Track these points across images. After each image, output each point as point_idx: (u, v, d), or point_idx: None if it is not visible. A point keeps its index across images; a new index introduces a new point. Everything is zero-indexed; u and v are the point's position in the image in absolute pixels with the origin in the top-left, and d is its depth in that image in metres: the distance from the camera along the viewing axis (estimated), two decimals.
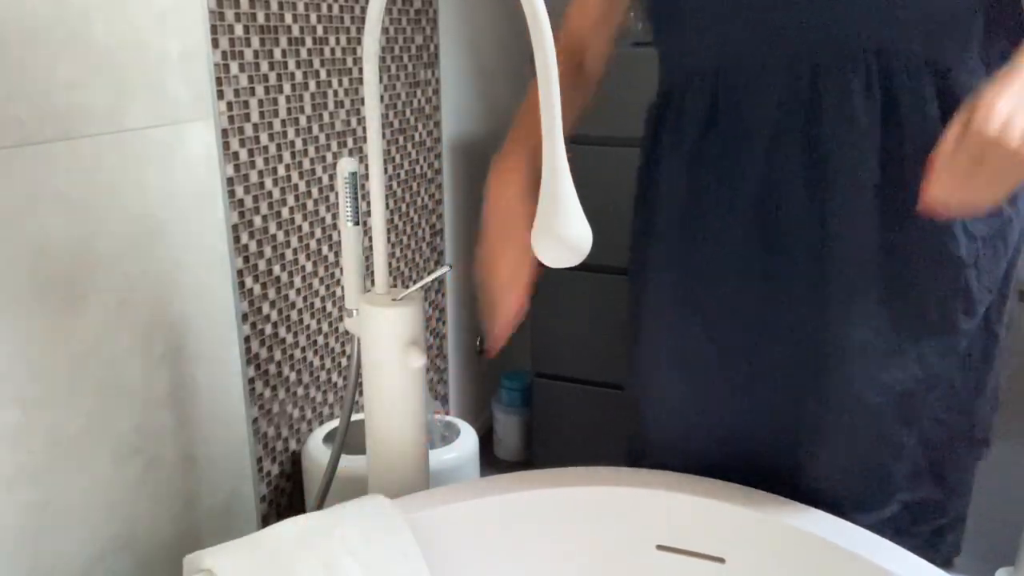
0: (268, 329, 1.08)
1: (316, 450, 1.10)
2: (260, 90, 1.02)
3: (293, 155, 1.10)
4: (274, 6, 1.03)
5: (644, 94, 0.79)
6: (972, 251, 0.66)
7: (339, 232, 1.21)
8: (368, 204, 0.72)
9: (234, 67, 0.97)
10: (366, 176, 1.19)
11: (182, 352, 0.92)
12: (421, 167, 1.45)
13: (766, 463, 0.72)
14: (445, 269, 0.70)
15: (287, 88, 1.07)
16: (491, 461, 1.67)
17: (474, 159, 1.66)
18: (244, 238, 1.01)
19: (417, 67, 1.40)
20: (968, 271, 0.66)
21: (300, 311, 1.15)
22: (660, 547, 0.68)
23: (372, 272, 0.77)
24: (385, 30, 1.30)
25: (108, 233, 0.81)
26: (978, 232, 0.66)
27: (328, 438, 1.14)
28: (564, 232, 0.45)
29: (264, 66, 1.02)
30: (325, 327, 1.21)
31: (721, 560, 0.66)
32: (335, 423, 1.18)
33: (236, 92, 0.98)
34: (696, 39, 0.72)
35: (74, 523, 0.80)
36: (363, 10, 1.21)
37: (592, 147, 1.38)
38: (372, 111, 0.70)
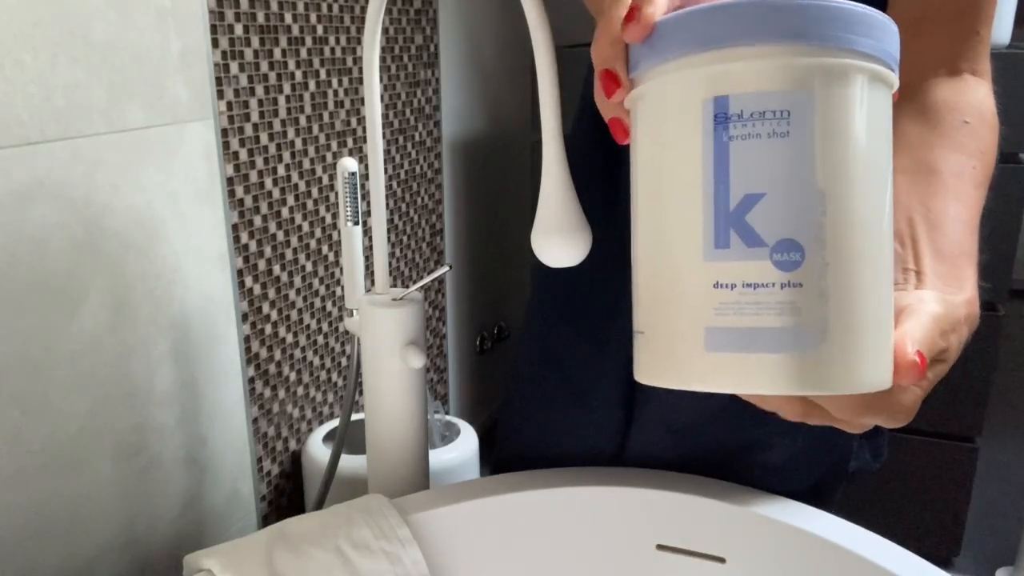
0: (268, 329, 1.08)
1: (316, 450, 1.10)
2: (260, 90, 1.02)
3: (293, 155, 1.09)
4: (274, 6, 1.03)
5: None
6: None
7: (339, 232, 1.21)
8: (368, 204, 0.72)
9: (234, 67, 0.97)
10: (366, 176, 1.19)
11: (182, 352, 0.92)
12: (421, 167, 1.45)
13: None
14: (445, 269, 0.70)
15: (287, 88, 1.07)
16: (491, 461, 1.67)
17: (474, 159, 1.66)
18: (244, 238, 1.01)
19: (417, 67, 1.40)
20: None
21: (300, 311, 1.15)
22: (660, 547, 0.68)
23: (372, 272, 0.77)
24: (385, 30, 1.30)
25: (108, 233, 0.81)
26: None
27: (328, 438, 1.14)
28: (564, 232, 0.45)
29: (264, 66, 1.02)
30: (325, 327, 1.21)
31: (721, 560, 0.66)
32: (335, 423, 1.18)
33: (236, 92, 0.98)
34: None
35: (74, 523, 0.80)
36: (363, 10, 1.21)
37: None
38: (372, 111, 0.70)
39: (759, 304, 0.31)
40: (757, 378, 0.31)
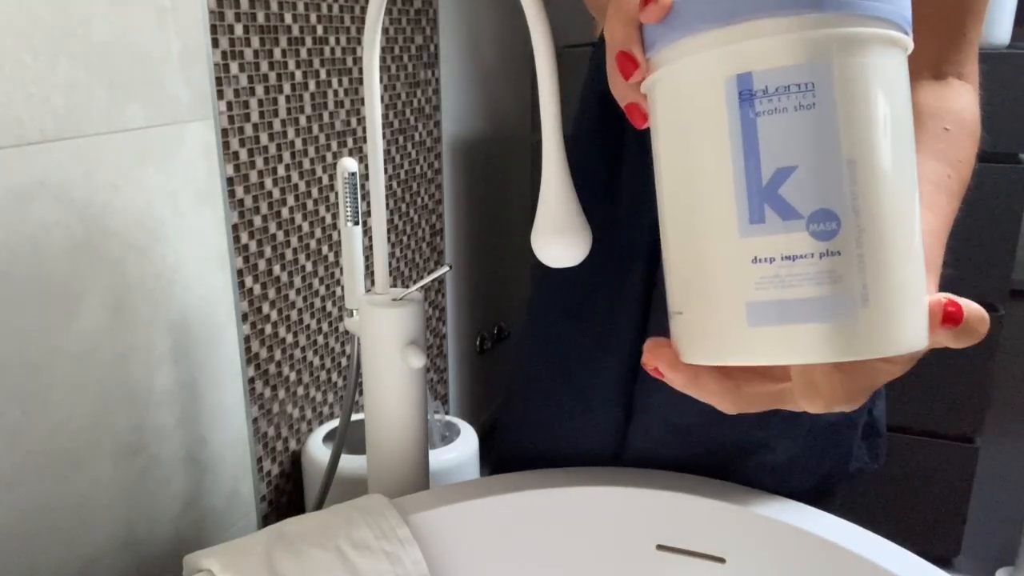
0: (268, 329, 1.08)
1: (316, 450, 1.10)
2: (260, 90, 1.02)
3: (293, 155, 1.09)
4: (274, 6, 1.03)
5: None
6: None
7: (339, 232, 1.21)
8: (368, 204, 0.72)
9: (234, 67, 0.97)
10: (366, 176, 1.19)
11: (182, 352, 0.92)
12: (421, 167, 1.45)
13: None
14: (445, 269, 0.70)
15: (287, 88, 1.07)
16: (491, 461, 1.67)
17: (474, 159, 1.66)
18: (244, 238, 1.01)
19: (417, 67, 1.40)
20: None
21: (300, 311, 1.15)
22: (660, 547, 0.68)
23: (372, 272, 0.77)
24: (385, 30, 1.30)
25: (108, 233, 0.81)
26: None
27: (328, 438, 1.14)
28: (564, 232, 0.45)
29: (264, 66, 1.02)
30: (325, 327, 1.21)
31: (721, 560, 0.66)
32: (335, 423, 1.18)
33: (236, 92, 0.98)
34: None
35: (74, 523, 0.80)
36: (363, 10, 1.21)
37: None
38: (372, 111, 0.70)
39: (799, 275, 0.31)
40: (802, 348, 0.32)
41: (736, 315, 0.33)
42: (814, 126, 0.31)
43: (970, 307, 0.34)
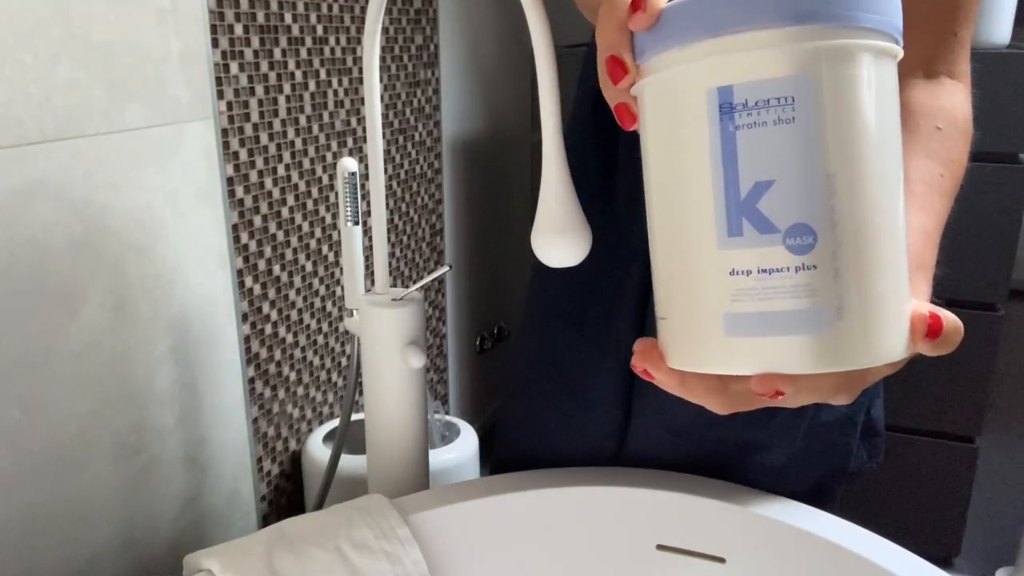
0: (268, 329, 1.08)
1: (316, 450, 1.10)
2: (260, 90, 1.02)
3: (293, 155, 1.09)
4: (274, 6, 1.03)
5: None
6: None
7: (339, 232, 1.21)
8: (368, 204, 0.72)
9: (234, 67, 0.97)
10: (366, 176, 1.19)
11: (182, 352, 0.92)
12: (421, 167, 1.45)
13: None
14: (445, 269, 0.70)
15: (287, 88, 1.07)
16: (491, 461, 1.67)
17: (474, 159, 1.66)
18: (244, 238, 1.01)
19: (417, 67, 1.40)
20: None
21: (300, 311, 1.15)
22: (660, 547, 0.68)
23: (372, 272, 0.77)
24: (385, 30, 1.30)
25: (108, 233, 0.81)
26: None
27: (328, 438, 1.14)
28: (564, 232, 0.45)
29: (264, 66, 1.02)
30: (325, 327, 1.21)
31: (721, 560, 0.66)
32: (335, 423, 1.18)
33: (236, 92, 0.98)
34: None
35: (74, 523, 0.80)
36: (363, 10, 1.21)
37: None
38: (372, 111, 0.70)
39: (775, 288, 0.32)
40: (777, 359, 0.32)
41: (714, 325, 0.33)
42: (793, 140, 0.31)
43: (948, 318, 0.34)
